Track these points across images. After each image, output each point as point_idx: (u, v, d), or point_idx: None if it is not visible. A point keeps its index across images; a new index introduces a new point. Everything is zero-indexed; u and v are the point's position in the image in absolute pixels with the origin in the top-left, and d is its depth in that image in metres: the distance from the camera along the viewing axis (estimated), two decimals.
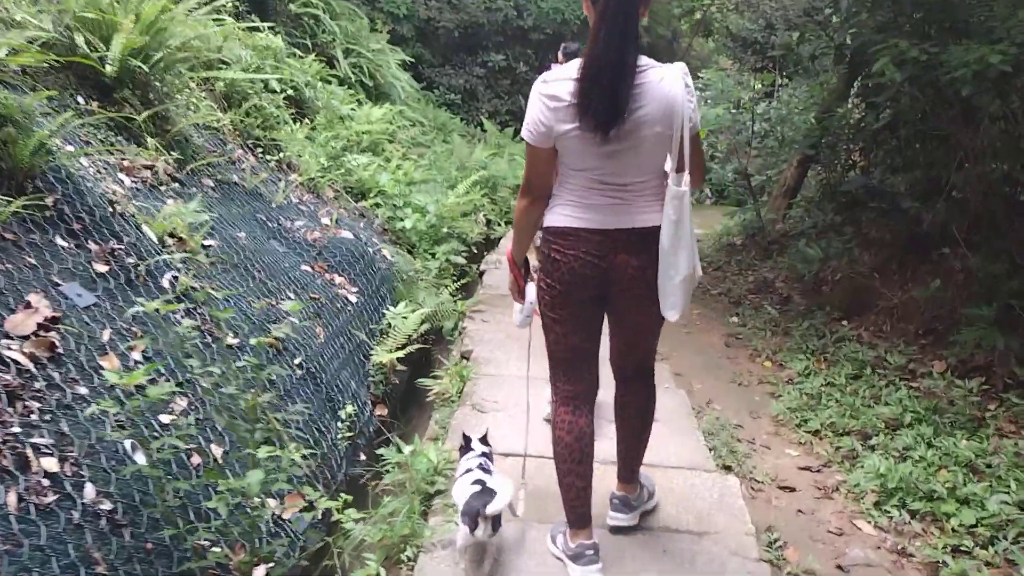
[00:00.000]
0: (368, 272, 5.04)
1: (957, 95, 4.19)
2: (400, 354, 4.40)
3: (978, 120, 4.29)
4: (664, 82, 2.28)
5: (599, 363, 2.71)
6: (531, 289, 2.76)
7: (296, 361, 3.58)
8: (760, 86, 11.75)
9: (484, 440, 3.00)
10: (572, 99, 2.28)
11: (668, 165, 2.41)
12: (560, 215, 2.46)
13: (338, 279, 4.77)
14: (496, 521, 2.53)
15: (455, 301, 5.63)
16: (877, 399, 4.09)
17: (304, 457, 2.50)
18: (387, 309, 4.87)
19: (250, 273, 3.92)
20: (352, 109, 8.32)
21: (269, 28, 7.69)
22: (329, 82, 8.66)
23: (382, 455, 3.24)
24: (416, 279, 5.73)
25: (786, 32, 6.45)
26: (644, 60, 2.30)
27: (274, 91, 6.69)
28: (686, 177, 2.34)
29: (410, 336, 4.70)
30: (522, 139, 2.45)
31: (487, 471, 2.76)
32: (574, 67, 2.32)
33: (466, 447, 2.96)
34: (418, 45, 14.91)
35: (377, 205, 6.77)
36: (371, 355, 4.35)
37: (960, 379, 4.20)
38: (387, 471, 3.23)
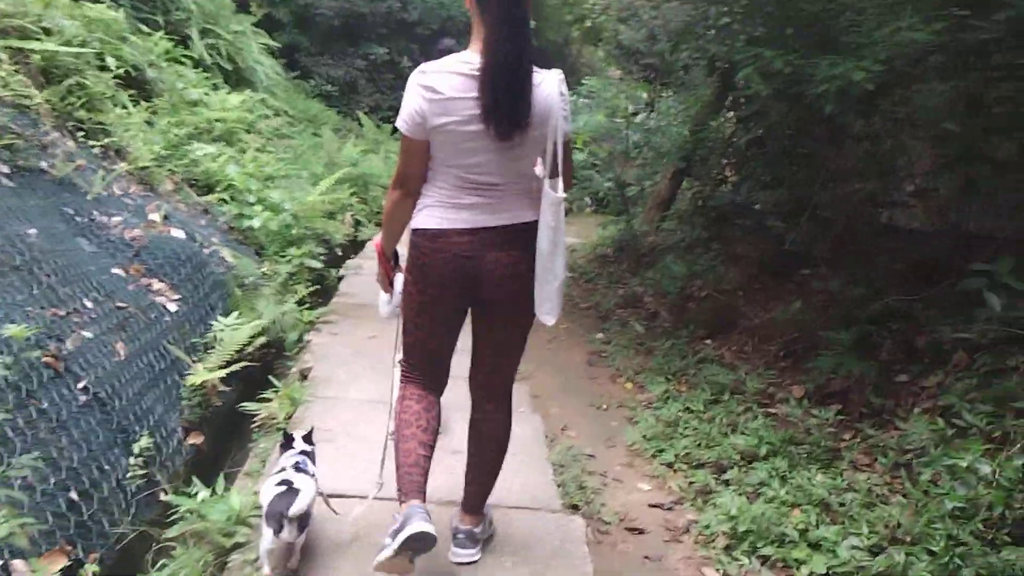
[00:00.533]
0: (196, 277, 4.49)
1: (824, 112, 4.09)
2: (223, 373, 3.89)
3: (843, 139, 4.19)
4: (542, 86, 2.31)
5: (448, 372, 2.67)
6: (399, 279, 2.66)
7: (80, 385, 3.03)
8: (645, 95, 11.73)
9: (308, 439, 2.84)
10: (468, 95, 2.25)
11: (538, 169, 2.42)
12: (429, 216, 2.41)
13: (157, 284, 4.20)
14: (302, 521, 2.43)
15: (301, 310, 5.15)
16: (734, 427, 3.91)
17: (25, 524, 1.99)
18: (216, 320, 4.34)
19: (35, 277, 3.33)
20: (205, 93, 7.65)
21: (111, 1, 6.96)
22: (182, 63, 7.94)
23: (170, 502, 2.76)
24: (259, 285, 5.21)
25: (665, 42, 6.30)
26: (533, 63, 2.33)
27: (108, 69, 5.99)
28: (560, 183, 2.38)
29: (240, 351, 4.20)
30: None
31: (302, 470, 2.62)
32: (452, 60, 2.31)
33: (287, 444, 2.78)
34: (295, 31, 14.21)
35: (224, 201, 6.18)
36: (187, 374, 3.81)
37: (818, 405, 4.09)
38: (183, 518, 2.75)
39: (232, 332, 4.20)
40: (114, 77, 6.10)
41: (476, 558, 2.69)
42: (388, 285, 2.71)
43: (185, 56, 8.04)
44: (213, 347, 4.13)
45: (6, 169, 3.96)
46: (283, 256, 6.07)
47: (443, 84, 2.26)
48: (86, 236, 4.13)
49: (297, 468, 2.62)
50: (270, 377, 4.02)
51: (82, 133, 5.08)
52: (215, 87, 8.22)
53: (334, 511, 2.73)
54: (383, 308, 2.78)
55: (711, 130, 6.27)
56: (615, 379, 4.79)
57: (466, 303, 2.51)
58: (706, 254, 5.68)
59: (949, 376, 3.76)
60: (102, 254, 4.08)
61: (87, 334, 3.30)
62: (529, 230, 2.39)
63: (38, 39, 5.07)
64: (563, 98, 2.34)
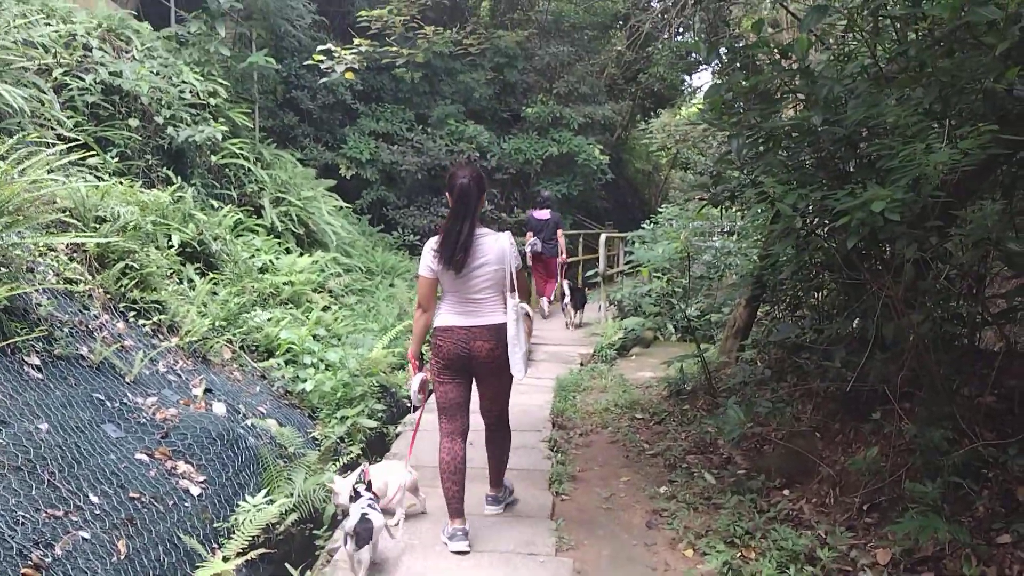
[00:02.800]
0: (227, 454, 4.39)
1: (874, 237, 3.71)
2: (240, 561, 3.69)
3: (898, 265, 3.77)
4: (497, 242, 4.07)
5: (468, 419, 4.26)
6: (417, 378, 4.19)
7: None
8: (738, 216, 11.42)
9: (368, 487, 3.95)
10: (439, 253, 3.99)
11: (506, 290, 4.08)
12: (444, 318, 4.10)
13: (183, 467, 4.12)
14: (359, 537, 3.58)
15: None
16: None
17: None
18: (244, 500, 4.19)
19: (37, 476, 3.29)
20: (276, 258, 7.91)
21: (183, 182, 7.41)
22: (256, 232, 8.31)
23: None
24: (302, 454, 5.07)
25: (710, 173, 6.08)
26: (481, 230, 4.08)
27: (170, 247, 6.28)
28: (516, 295, 4.07)
29: (268, 532, 4.01)
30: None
31: (372, 508, 3.76)
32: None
33: (356, 496, 3.85)
34: (382, 188, 14.84)
35: (278, 366, 6.20)
36: (200, 567, 3.62)
37: (907, 574, 3.50)
38: None
39: (257, 514, 4.03)
40: (178, 253, 6.38)
41: (500, 511, 4.57)
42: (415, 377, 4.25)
43: (258, 225, 8.43)
44: (235, 531, 3.96)
45: (37, 361, 4.05)
46: (337, 417, 5.97)
47: (439, 247, 4.02)
48: (115, 421, 4.13)
49: (370, 506, 3.75)
50: (286, 565, 3.78)
51: (134, 313, 5.24)
52: (287, 251, 8.53)
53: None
54: (413, 398, 4.21)
55: (773, 256, 5.88)
56: (674, 545, 4.28)
57: (467, 370, 4.12)
58: (772, 394, 5.18)
59: None
60: (127, 439, 4.05)
61: (84, 534, 3.20)
62: (500, 327, 4.02)
63: (95, 228, 5.36)
64: (512, 247, 4.11)
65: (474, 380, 4.20)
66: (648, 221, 12.75)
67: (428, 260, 4.03)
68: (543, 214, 11.49)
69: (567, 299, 11.38)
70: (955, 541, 3.41)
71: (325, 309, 7.76)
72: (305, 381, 6.08)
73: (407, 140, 15.13)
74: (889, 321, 4.03)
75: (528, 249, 11.26)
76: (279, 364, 6.23)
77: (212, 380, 5.28)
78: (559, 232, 11.44)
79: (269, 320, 6.67)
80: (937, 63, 3.71)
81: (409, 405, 7.59)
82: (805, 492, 4.64)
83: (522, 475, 5.20)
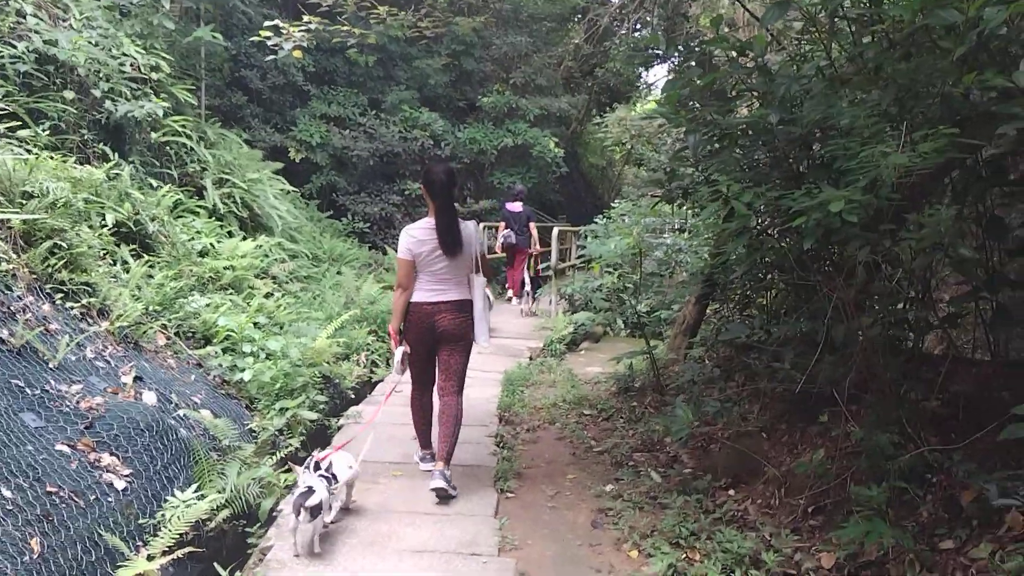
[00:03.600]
0: (156, 447, 4.18)
1: (826, 238, 3.67)
2: (165, 560, 3.50)
3: (850, 267, 3.74)
4: (467, 228, 4.66)
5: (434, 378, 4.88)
6: (400, 351, 4.67)
7: None
8: (690, 213, 11.47)
9: (318, 466, 4.07)
10: (432, 239, 4.53)
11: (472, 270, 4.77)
12: (415, 295, 4.63)
13: (107, 459, 3.90)
14: (314, 511, 3.67)
15: (278, 473, 4.76)
16: None
17: None
18: (172, 495, 3.99)
19: None
20: (217, 242, 7.63)
21: (120, 159, 7.09)
22: (197, 213, 8.01)
23: None
24: (237, 447, 4.87)
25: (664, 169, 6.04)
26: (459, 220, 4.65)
27: (104, 227, 5.98)
28: (481, 274, 4.78)
29: (195, 529, 3.82)
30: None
31: (326, 479, 3.94)
32: (422, 222, 4.63)
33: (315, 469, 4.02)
34: (333, 173, 14.54)
35: (216, 353, 5.96)
36: (121, 566, 3.42)
37: None
38: None
39: (186, 509, 3.84)
40: (112, 234, 6.09)
41: (444, 486, 4.51)
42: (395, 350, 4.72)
43: (200, 206, 8.13)
44: (161, 527, 3.76)
45: None
46: (277, 408, 5.77)
47: (418, 233, 4.57)
48: (35, 410, 3.89)
49: (323, 478, 3.92)
50: (215, 564, 3.60)
51: (61, 295, 4.97)
52: (229, 234, 8.24)
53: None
54: (396, 367, 4.70)
55: (725, 255, 5.84)
56: (620, 545, 4.21)
57: (432, 341, 4.68)
58: (720, 393, 5.15)
59: (1003, 545, 3.13)
60: (48, 429, 3.82)
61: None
62: (462, 303, 4.67)
63: (21, 204, 5.06)
64: (477, 233, 4.77)
65: (438, 351, 4.73)
66: (601, 216, 12.74)
67: (409, 244, 4.54)
68: (516, 207, 11.86)
69: (526, 287, 11.77)
70: (899, 546, 3.39)
71: (268, 296, 7.54)
72: (244, 370, 5.87)
73: (359, 125, 14.85)
74: (839, 323, 4.00)
75: (501, 240, 11.76)
76: (216, 352, 6.00)
77: (143, 367, 5.05)
78: (531, 224, 11.83)
79: (207, 306, 6.43)
80: (894, 66, 3.68)
81: (353, 393, 7.49)
82: (751, 493, 4.61)
83: (467, 471, 5.08)
